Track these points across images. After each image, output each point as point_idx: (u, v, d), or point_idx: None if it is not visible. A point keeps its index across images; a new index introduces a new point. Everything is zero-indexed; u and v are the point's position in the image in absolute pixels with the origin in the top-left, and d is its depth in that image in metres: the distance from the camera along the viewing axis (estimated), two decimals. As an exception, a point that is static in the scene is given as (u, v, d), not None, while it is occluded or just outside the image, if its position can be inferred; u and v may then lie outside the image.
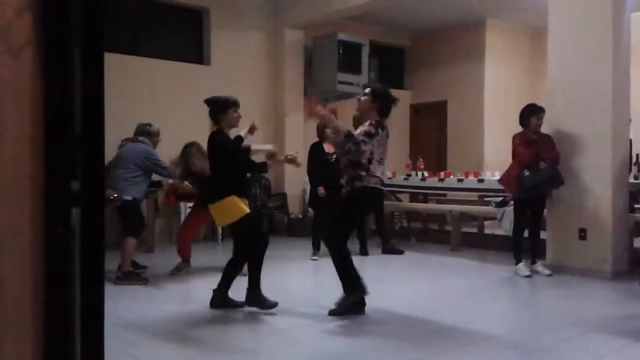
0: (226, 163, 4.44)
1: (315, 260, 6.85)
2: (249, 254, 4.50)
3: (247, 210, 4.45)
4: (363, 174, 4.32)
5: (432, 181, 8.06)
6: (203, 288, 5.48)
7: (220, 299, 4.53)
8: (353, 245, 7.14)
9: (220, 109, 4.51)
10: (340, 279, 4.36)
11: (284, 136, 9.23)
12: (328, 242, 4.49)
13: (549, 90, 6.18)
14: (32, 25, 1.16)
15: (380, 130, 4.36)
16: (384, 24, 10.73)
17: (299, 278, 6.22)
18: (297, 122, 9.55)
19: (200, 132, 8.40)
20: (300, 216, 9.20)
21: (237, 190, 4.46)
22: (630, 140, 6.35)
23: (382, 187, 4.50)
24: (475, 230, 8.37)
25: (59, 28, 1.20)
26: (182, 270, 6.05)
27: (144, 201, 7.12)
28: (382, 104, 4.48)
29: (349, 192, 4.39)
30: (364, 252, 7.20)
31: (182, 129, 8.40)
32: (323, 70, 9.43)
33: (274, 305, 4.40)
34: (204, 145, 4.79)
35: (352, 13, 8.99)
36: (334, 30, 9.40)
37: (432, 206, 8.90)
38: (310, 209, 7.85)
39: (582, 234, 5.84)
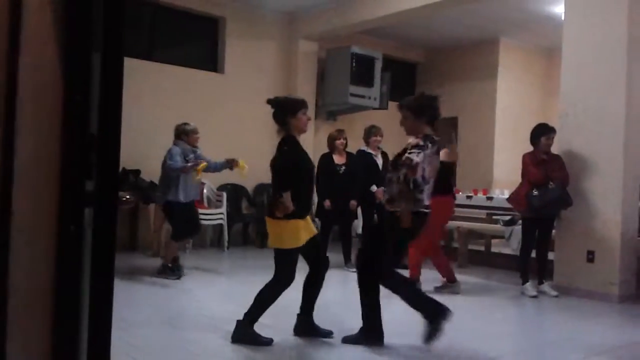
0: (296, 179, 3.91)
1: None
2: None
3: (300, 241, 3.88)
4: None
5: (440, 197, 8.02)
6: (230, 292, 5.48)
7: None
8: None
9: (291, 111, 3.97)
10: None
11: (294, 146, 9.23)
12: None
13: (561, 111, 6.17)
14: (53, 26, 1.17)
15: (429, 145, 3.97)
16: (398, 39, 10.76)
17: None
18: (308, 132, 9.49)
19: (211, 138, 8.44)
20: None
21: (303, 212, 3.94)
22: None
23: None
24: (482, 248, 8.32)
25: (79, 30, 1.21)
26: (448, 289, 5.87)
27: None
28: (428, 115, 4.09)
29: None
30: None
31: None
32: (335, 82, 9.45)
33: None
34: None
35: (366, 27, 9.03)
36: (348, 43, 9.43)
37: (439, 222, 8.85)
38: (317, 220, 7.84)
39: (590, 256, 5.80)
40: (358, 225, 8.04)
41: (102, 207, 1.17)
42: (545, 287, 5.89)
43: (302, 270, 4.01)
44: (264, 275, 6.20)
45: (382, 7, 8.15)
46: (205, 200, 8.51)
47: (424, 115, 4.01)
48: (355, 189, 6.90)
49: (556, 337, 4.43)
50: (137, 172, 7.71)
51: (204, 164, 5.92)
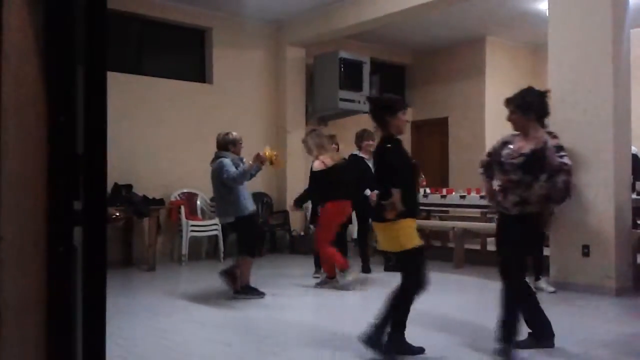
0: (403, 178, 3.80)
1: (318, 278, 6.82)
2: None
3: (420, 241, 3.83)
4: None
5: (435, 198, 8.05)
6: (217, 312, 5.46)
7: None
8: (355, 262, 7.13)
9: (390, 110, 3.84)
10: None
11: (286, 153, 9.25)
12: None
13: (550, 107, 6.18)
14: (35, 46, 1.17)
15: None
16: (385, 42, 10.79)
17: (302, 296, 6.18)
18: (299, 139, 9.55)
19: (203, 149, 8.44)
20: (302, 233, 9.18)
21: (414, 212, 3.87)
22: (635, 155, 6.34)
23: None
24: (478, 247, 8.33)
25: (62, 48, 1.21)
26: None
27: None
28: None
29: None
30: (366, 269, 7.17)
31: (185, 147, 8.43)
32: (324, 88, 9.47)
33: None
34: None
35: (353, 31, 9.06)
36: (335, 48, 9.46)
37: (434, 223, 8.88)
38: (312, 226, 7.84)
39: (586, 250, 5.82)
40: (353, 230, 8.04)
41: (91, 226, 1.17)
42: (542, 283, 5.90)
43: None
44: (262, 285, 6.19)
45: (367, 11, 8.19)
46: (199, 211, 8.49)
47: (532, 111, 3.85)
48: (348, 193, 6.90)
49: (557, 332, 4.42)
50: (129, 187, 7.69)
51: (268, 150, 5.63)
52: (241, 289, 5.71)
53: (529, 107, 3.82)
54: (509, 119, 3.93)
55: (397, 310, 3.74)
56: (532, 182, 3.68)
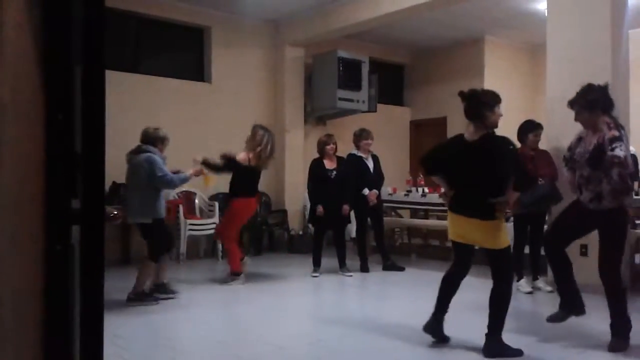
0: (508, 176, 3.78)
1: (316, 277, 6.83)
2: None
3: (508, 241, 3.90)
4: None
5: (433, 197, 8.04)
6: (210, 312, 5.46)
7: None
8: (353, 261, 7.13)
9: (489, 104, 3.84)
10: None
11: (284, 152, 9.24)
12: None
13: (548, 107, 6.20)
14: (33, 44, 1.17)
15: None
16: (384, 42, 10.80)
17: (301, 295, 6.18)
18: (298, 138, 9.57)
19: (201, 148, 8.45)
20: (300, 233, 9.18)
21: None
22: (634, 156, 6.33)
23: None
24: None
25: (59, 46, 1.20)
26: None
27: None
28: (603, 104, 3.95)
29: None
30: (364, 268, 7.18)
31: (183, 146, 8.42)
32: (323, 87, 9.47)
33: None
34: None
35: (352, 31, 9.06)
36: (334, 47, 9.46)
37: (432, 222, 8.87)
38: (310, 226, 7.84)
39: (584, 250, 5.82)
40: (351, 229, 8.04)
41: (88, 224, 1.17)
42: (540, 282, 5.92)
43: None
44: (260, 284, 6.19)
45: (366, 10, 8.19)
46: (197, 210, 8.49)
47: (597, 107, 3.89)
48: (347, 193, 6.91)
49: (555, 332, 4.43)
50: (127, 186, 7.67)
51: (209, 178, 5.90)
52: (135, 296, 5.27)
53: (594, 104, 3.87)
54: (577, 119, 4.00)
55: (502, 311, 3.80)
56: (602, 177, 3.75)
